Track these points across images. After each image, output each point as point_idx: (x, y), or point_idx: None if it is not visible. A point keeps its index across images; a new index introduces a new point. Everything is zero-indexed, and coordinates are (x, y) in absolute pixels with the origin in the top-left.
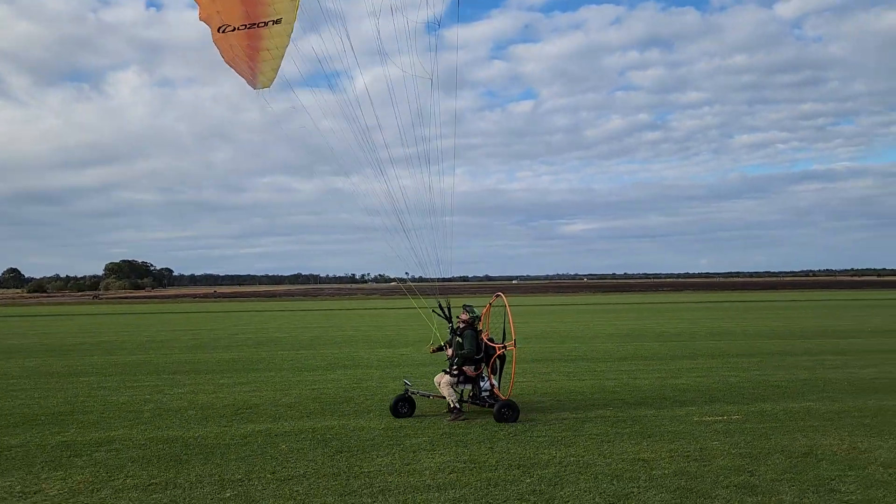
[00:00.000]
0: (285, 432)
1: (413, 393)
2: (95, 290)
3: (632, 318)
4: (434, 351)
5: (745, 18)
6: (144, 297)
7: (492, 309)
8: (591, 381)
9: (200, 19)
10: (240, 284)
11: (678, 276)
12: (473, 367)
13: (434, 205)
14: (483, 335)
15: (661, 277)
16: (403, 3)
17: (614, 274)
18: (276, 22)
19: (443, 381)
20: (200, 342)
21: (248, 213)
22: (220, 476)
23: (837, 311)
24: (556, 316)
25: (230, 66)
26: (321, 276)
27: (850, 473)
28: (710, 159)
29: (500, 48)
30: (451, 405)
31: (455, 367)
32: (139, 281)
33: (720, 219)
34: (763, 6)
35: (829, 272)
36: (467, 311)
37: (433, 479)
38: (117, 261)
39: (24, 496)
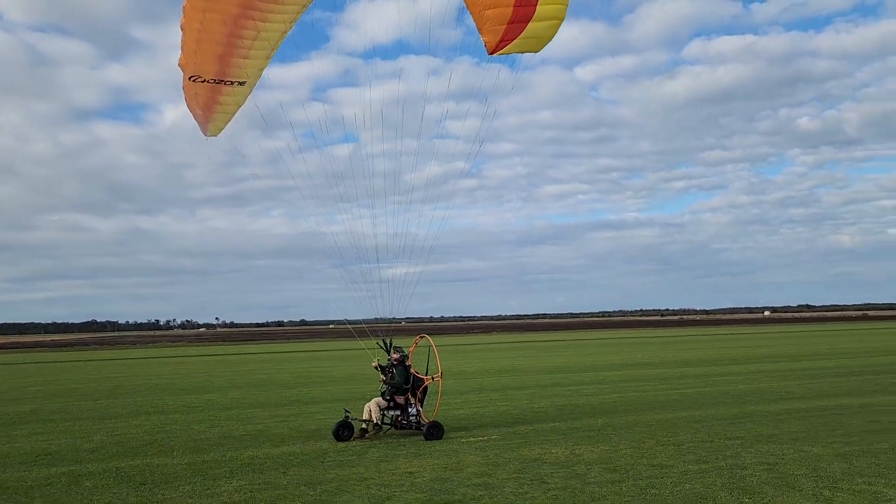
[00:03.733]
0: (89, 473)
1: (352, 419)
2: None
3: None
4: (376, 367)
5: (550, 78)
6: None
7: (416, 348)
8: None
9: (178, 65)
10: (20, 333)
11: (491, 318)
12: (402, 396)
13: (247, 248)
14: (412, 370)
15: (475, 320)
16: None
17: (431, 317)
18: (241, 83)
19: (373, 404)
20: (44, 400)
21: (33, 254)
22: None
23: (615, 349)
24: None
25: (189, 109)
26: (120, 322)
27: (561, 471)
28: (520, 207)
29: (319, 90)
30: (374, 422)
31: (388, 396)
32: None
33: (529, 263)
34: (565, 69)
35: (621, 312)
36: (398, 351)
37: (230, 498)
38: None
39: None
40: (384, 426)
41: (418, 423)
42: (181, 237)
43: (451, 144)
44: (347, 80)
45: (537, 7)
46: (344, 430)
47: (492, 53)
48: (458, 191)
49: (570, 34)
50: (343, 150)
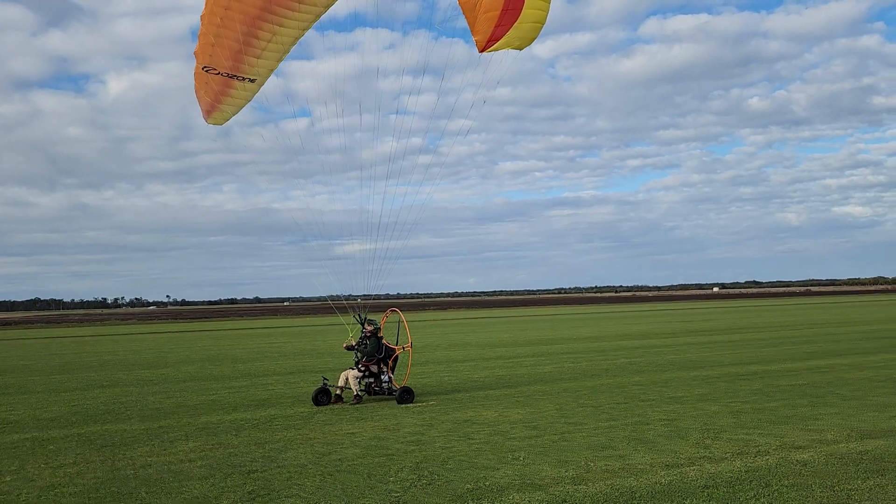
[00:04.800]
0: (51, 438)
1: (329, 386)
2: None
3: None
4: (347, 348)
5: (508, 54)
6: None
7: (387, 321)
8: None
9: (194, 53)
10: None
11: (448, 294)
12: (375, 364)
13: (198, 224)
14: (384, 340)
15: (432, 297)
16: (163, 6)
17: (388, 294)
18: (251, 80)
19: (350, 375)
20: None
21: None
22: (1, 468)
23: (564, 324)
24: (322, 336)
25: (196, 95)
26: (65, 300)
27: (487, 429)
28: (477, 184)
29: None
30: (355, 392)
31: (362, 365)
32: None
33: (487, 240)
34: None
35: (577, 289)
36: (371, 324)
37: (186, 457)
38: None
39: None
40: (362, 394)
41: (390, 389)
42: (128, 213)
43: (407, 120)
44: (301, 52)
45: (522, 11)
46: (322, 396)
47: (482, 51)
48: (416, 167)
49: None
50: (297, 125)
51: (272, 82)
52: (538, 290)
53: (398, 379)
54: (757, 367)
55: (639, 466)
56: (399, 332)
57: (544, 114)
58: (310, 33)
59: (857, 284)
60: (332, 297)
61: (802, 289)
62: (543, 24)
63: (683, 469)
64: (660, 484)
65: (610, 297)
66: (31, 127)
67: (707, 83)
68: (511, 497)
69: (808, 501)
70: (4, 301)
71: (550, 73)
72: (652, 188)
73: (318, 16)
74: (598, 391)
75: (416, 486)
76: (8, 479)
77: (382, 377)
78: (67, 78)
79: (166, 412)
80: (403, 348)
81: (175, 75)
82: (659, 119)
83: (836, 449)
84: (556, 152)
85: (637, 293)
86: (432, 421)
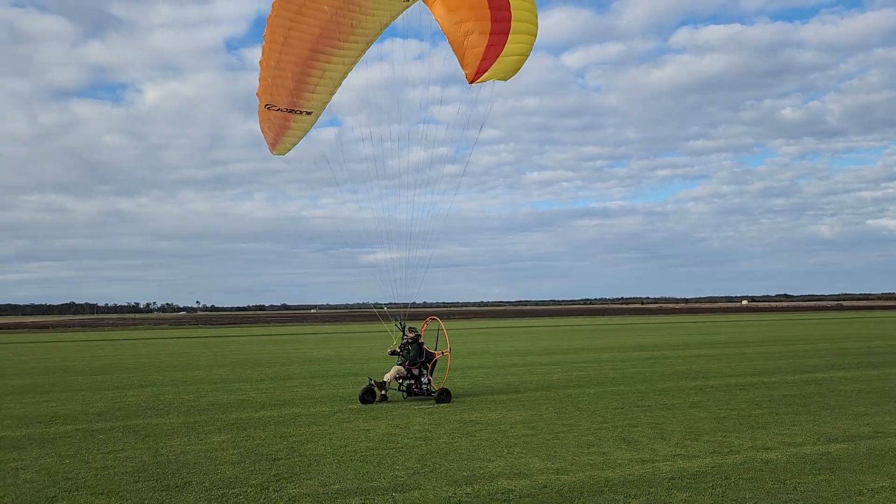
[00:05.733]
0: (99, 429)
1: (374, 385)
2: None
3: None
4: (390, 353)
5: (537, 64)
6: None
7: (427, 328)
8: (354, 388)
9: (256, 94)
10: None
11: (473, 304)
12: (417, 368)
13: (229, 231)
14: (424, 346)
15: (457, 306)
16: (199, 18)
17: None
18: (308, 113)
19: (391, 372)
20: (38, 375)
21: (9, 235)
22: (56, 453)
23: (583, 335)
24: (354, 343)
25: (261, 130)
26: (99, 304)
27: (489, 428)
28: (504, 193)
29: None
30: (383, 384)
31: (406, 368)
32: None
33: (512, 250)
34: (553, 55)
35: (602, 300)
36: (412, 331)
37: (220, 446)
38: None
39: None
40: (393, 391)
41: (429, 390)
42: (160, 219)
43: (435, 130)
44: None
45: (505, 46)
46: (368, 395)
47: (470, 83)
48: (443, 176)
49: (558, 19)
50: (327, 134)
51: None
52: (563, 301)
53: (437, 381)
54: (757, 378)
55: (618, 461)
56: (438, 338)
57: (573, 124)
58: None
59: (891, 299)
60: (375, 305)
61: (834, 303)
62: (527, 57)
63: (657, 464)
64: (632, 475)
65: (635, 309)
66: (70, 135)
67: (739, 93)
68: (500, 483)
69: (759, 492)
70: (41, 305)
71: (580, 83)
72: (681, 199)
73: (363, 51)
74: (599, 397)
75: (419, 472)
76: (67, 461)
77: (423, 379)
78: (105, 87)
79: (200, 409)
80: (442, 353)
81: (208, 85)
82: (689, 129)
83: (801, 451)
84: (584, 162)
85: (664, 305)
86: (440, 420)
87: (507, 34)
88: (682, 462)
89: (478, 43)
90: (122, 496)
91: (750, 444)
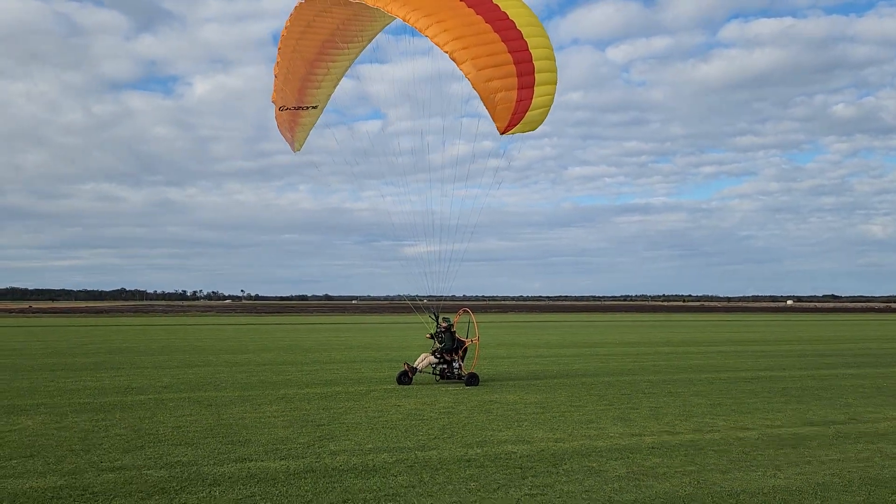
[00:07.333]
0: (168, 399)
1: (414, 370)
2: None
3: None
4: (429, 337)
5: (582, 58)
6: None
7: (459, 320)
8: (390, 372)
9: (271, 100)
10: (52, 300)
11: (512, 298)
12: (451, 355)
13: (272, 222)
14: (457, 335)
15: (496, 300)
16: (246, 12)
17: (453, 296)
18: (314, 108)
19: (426, 359)
20: (58, 350)
21: (62, 223)
22: (136, 416)
23: (614, 330)
24: (392, 332)
25: (281, 133)
26: (148, 291)
27: (505, 407)
28: (546, 188)
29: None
30: (415, 368)
31: (439, 353)
32: None
33: (554, 245)
34: (598, 49)
35: (643, 297)
36: (446, 321)
37: (272, 414)
38: None
39: None
40: (425, 372)
41: (460, 374)
42: (206, 209)
43: (478, 124)
44: (376, 56)
45: (532, 100)
46: (403, 377)
47: (502, 134)
48: (486, 170)
49: (604, 13)
50: (369, 127)
51: (346, 85)
52: (603, 297)
53: (467, 367)
54: (766, 373)
55: (610, 435)
56: (468, 328)
57: (616, 119)
58: (384, 37)
59: None
60: (409, 298)
61: (883, 304)
62: (550, 107)
63: (644, 438)
64: (618, 445)
65: (675, 307)
66: (121, 126)
67: (789, 89)
68: (505, 447)
69: (722, 458)
70: (93, 290)
71: (624, 78)
72: (726, 196)
73: (364, 48)
74: (611, 385)
75: (439, 438)
76: (146, 422)
77: (454, 364)
78: (156, 80)
79: (252, 386)
80: (472, 341)
81: (255, 78)
82: (736, 125)
83: (776, 431)
84: (627, 158)
85: (706, 303)
86: (463, 400)
87: (533, 87)
88: (667, 437)
89: (506, 99)
90: (196, 447)
91: (732, 426)
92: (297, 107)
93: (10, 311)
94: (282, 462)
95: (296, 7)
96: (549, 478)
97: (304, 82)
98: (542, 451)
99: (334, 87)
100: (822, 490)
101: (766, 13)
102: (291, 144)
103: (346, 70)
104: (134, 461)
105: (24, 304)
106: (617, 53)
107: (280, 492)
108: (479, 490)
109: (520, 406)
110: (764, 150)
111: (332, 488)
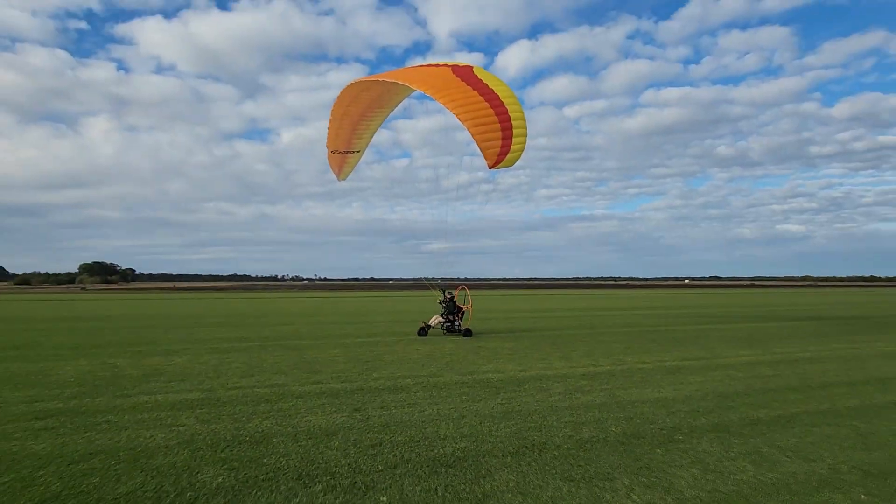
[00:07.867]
0: (269, 345)
1: (425, 325)
2: (72, 284)
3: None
4: (440, 303)
5: (546, 114)
6: (120, 289)
7: (460, 293)
8: (412, 328)
9: (326, 145)
10: (189, 281)
11: (499, 279)
12: (453, 316)
13: (335, 228)
14: (457, 303)
15: (489, 281)
16: (317, 84)
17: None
18: (357, 152)
19: (437, 319)
20: (194, 314)
21: (196, 229)
22: (247, 357)
23: (571, 300)
24: (414, 302)
25: (329, 166)
26: (252, 275)
27: (489, 350)
28: (522, 204)
29: (385, 122)
30: (428, 325)
31: (445, 316)
32: (108, 277)
33: (528, 243)
34: (557, 108)
35: (588, 278)
36: (450, 294)
37: (334, 355)
38: (89, 262)
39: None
40: (436, 328)
41: (459, 329)
42: (291, 220)
43: (476, 160)
44: (406, 113)
45: (511, 146)
46: (421, 332)
47: (491, 168)
48: (480, 192)
49: (561, 84)
50: (401, 163)
51: (385, 134)
52: (561, 279)
53: (464, 324)
54: (664, 328)
55: (555, 367)
56: (465, 298)
57: (570, 156)
58: (411, 101)
59: (789, 281)
60: (427, 279)
61: (748, 283)
62: (523, 151)
63: (577, 368)
64: (560, 373)
65: (610, 285)
66: (233, 164)
67: (687, 135)
68: (487, 375)
69: (627, 381)
70: (216, 275)
71: (576, 129)
72: (645, 209)
73: (393, 110)
74: (560, 336)
75: (443, 368)
76: (254, 360)
77: (456, 323)
78: (256, 131)
79: (323, 337)
80: (467, 308)
81: (323, 130)
82: (651, 161)
83: (664, 364)
84: (578, 183)
85: (630, 283)
86: (461, 346)
87: (511, 138)
88: (592, 368)
89: (494, 146)
90: (286, 375)
91: (636, 361)
92: (346, 151)
93: (161, 289)
94: (342, 384)
95: (346, 85)
96: (514, 393)
97: (350, 134)
98: (511, 377)
99: (371, 137)
100: (687, 398)
101: (672, 83)
102: (337, 175)
103: (381, 124)
104: (248, 383)
105: (170, 285)
106: (570, 111)
107: (342, 402)
108: (468, 400)
109: (498, 350)
110: (671, 178)
111: (374, 400)
